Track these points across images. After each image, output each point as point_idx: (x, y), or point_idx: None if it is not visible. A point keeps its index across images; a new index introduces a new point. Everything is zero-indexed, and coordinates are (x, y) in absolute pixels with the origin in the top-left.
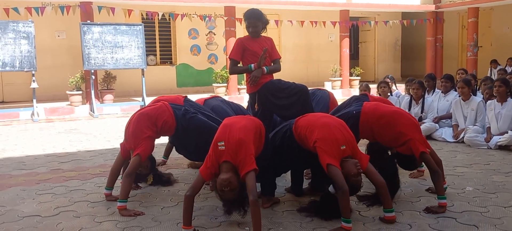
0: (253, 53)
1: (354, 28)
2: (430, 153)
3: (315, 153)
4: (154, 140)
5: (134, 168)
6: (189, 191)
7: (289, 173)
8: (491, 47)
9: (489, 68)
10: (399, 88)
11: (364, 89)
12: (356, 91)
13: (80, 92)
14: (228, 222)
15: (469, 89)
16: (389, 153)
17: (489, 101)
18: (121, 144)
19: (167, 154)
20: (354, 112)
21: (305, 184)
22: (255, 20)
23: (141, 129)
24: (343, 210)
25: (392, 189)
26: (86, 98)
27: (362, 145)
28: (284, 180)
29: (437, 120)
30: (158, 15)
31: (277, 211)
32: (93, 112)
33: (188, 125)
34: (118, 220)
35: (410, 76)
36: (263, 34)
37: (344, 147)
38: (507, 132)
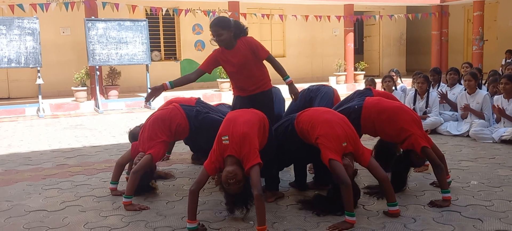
0: (229, 69)
1: (358, 23)
2: (433, 147)
3: (317, 147)
4: (168, 144)
5: (144, 166)
6: (193, 185)
7: (292, 167)
8: (497, 41)
9: (504, 59)
10: (404, 82)
11: (369, 84)
12: (361, 86)
13: (85, 88)
14: (232, 217)
15: (475, 83)
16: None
17: (495, 97)
18: (133, 144)
19: (169, 149)
20: (356, 106)
21: (309, 178)
22: (216, 27)
23: (156, 133)
24: (346, 203)
25: (398, 186)
26: (91, 94)
27: (366, 139)
28: (288, 175)
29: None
30: (162, 11)
31: (282, 206)
32: (98, 108)
33: (201, 124)
34: (123, 214)
35: (415, 70)
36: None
37: (346, 144)
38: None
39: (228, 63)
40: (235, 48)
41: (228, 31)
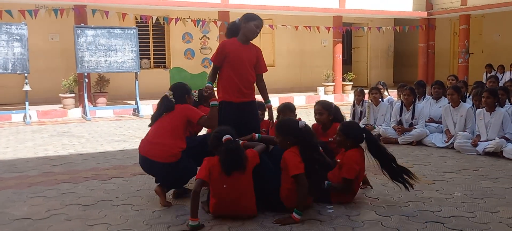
0: (233, 61)
1: (347, 34)
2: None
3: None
4: None
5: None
6: (195, 187)
7: None
8: (482, 54)
9: (485, 73)
10: (391, 94)
11: (359, 94)
12: (349, 97)
13: (73, 95)
14: (218, 226)
15: (458, 96)
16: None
17: (478, 110)
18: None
19: None
20: None
21: None
22: (262, 22)
23: None
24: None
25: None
26: (79, 101)
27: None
28: None
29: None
30: (152, 19)
31: (268, 215)
32: (86, 115)
33: None
34: (109, 223)
35: (402, 82)
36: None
37: None
38: (494, 139)
39: (235, 55)
40: (249, 46)
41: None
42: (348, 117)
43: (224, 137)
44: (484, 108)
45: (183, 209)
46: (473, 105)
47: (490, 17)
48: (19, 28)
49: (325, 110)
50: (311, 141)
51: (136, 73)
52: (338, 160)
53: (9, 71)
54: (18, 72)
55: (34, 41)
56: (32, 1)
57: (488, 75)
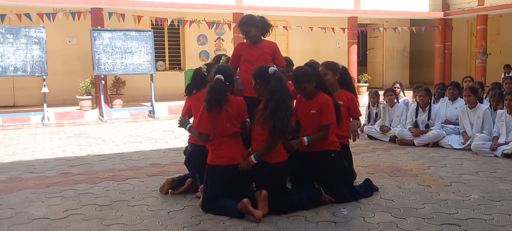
0: (247, 60)
1: (362, 35)
2: None
3: None
4: None
5: None
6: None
7: None
8: (500, 55)
9: (503, 73)
10: (407, 95)
11: (374, 96)
12: (364, 98)
13: (90, 97)
14: (233, 227)
15: (475, 97)
16: None
17: (500, 111)
18: None
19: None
20: None
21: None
22: (244, 26)
23: None
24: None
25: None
26: (96, 103)
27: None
28: None
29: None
30: (167, 22)
31: (282, 217)
32: (103, 117)
33: None
34: (125, 223)
35: (418, 83)
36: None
37: None
38: None
39: (248, 55)
40: (260, 45)
41: (256, 29)
42: (362, 119)
43: (217, 76)
44: (505, 110)
45: (198, 210)
46: (490, 106)
47: (508, 17)
48: (38, 31)
49: (330, 70)
50: (277, 86)
51: (151, 75)
52: (313, 111)
53: (28, 73)
54: (36, 74)
55: (52, 44)
56: (50, 5)
57: (506, 75)
